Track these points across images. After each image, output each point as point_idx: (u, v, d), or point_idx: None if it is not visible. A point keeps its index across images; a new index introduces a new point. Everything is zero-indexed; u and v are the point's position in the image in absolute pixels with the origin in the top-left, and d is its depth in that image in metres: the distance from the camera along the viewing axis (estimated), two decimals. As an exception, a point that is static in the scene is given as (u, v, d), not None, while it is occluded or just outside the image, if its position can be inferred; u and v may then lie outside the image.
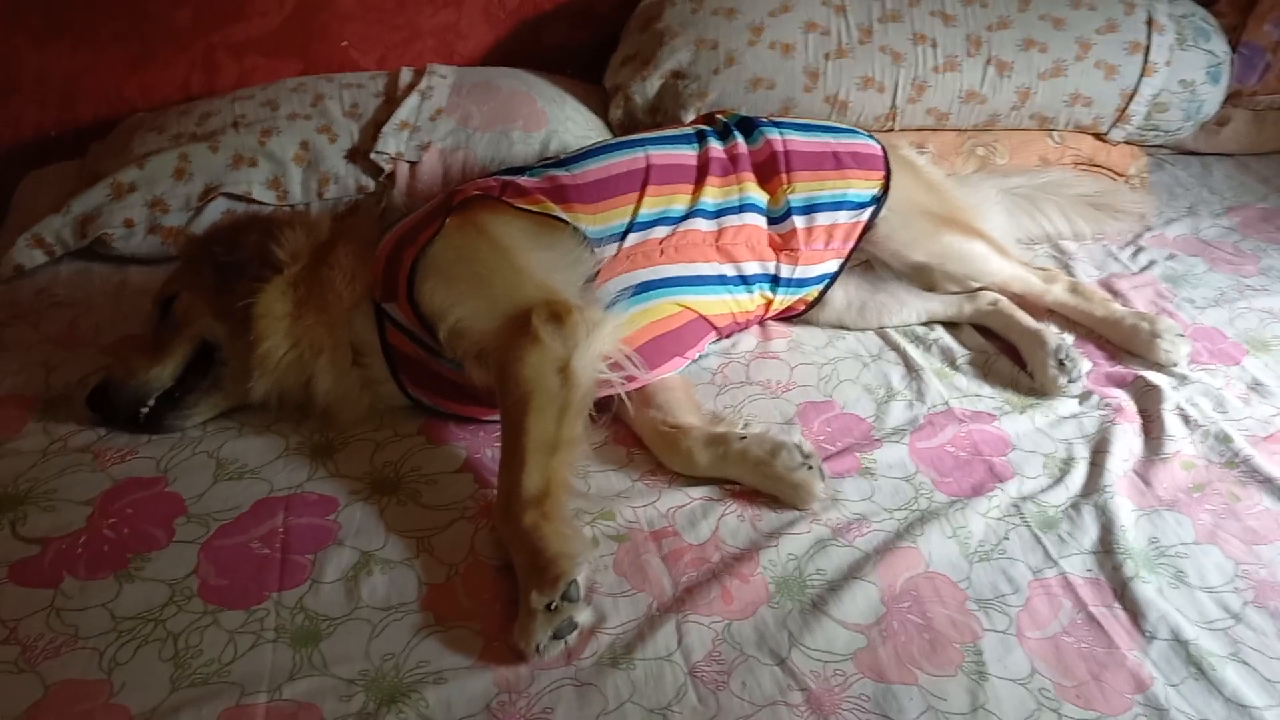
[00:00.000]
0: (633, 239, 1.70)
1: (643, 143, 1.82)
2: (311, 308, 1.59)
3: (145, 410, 1.58)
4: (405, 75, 2.27)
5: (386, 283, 1.61)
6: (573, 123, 2.24)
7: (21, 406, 1.63)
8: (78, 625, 1.26)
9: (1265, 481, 1.51)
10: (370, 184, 2.10)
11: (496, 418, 1.59)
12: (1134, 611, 1.32)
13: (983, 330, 1.88)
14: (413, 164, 2.11)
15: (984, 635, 1.29)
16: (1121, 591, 1.35)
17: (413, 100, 2.17)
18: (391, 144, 2.10)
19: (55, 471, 1.49)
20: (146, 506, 1.44)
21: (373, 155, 2.08)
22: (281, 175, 2.07)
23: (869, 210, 1.84)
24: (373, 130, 2.13)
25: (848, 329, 1.90)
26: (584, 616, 1.27)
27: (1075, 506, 1.48)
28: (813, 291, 1.86)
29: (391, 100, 2.20)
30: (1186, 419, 1.63)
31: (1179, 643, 1.27)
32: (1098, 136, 2.32)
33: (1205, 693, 1.22)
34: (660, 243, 1.72)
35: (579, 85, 2.40)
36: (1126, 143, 2.33)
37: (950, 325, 1.90)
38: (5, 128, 2.33)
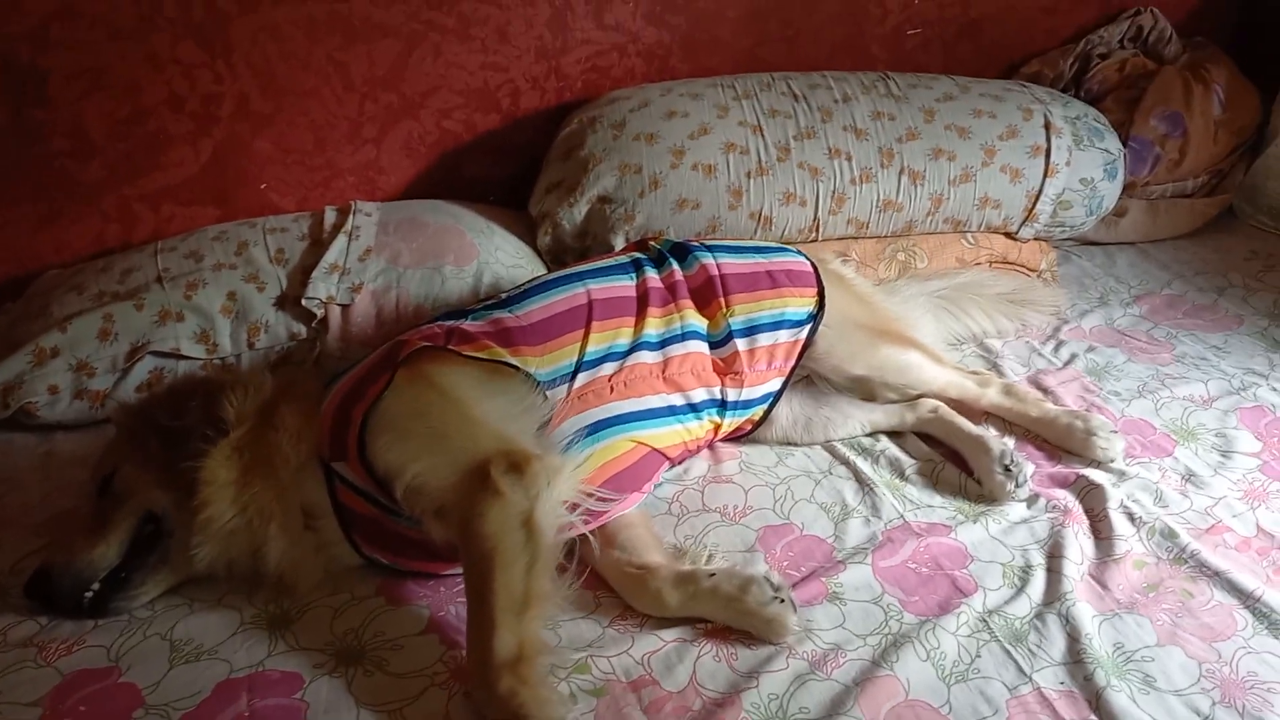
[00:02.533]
0: (582, 378, 1.71)
1: (581, 276, 1.83)
2: (258, 472, 1.55)
3: (89, 594, 1.51)
4: (330, 215, 2.26)
5: (335, 441, 1.58)
6: (503, 252, 2.25)
7: (-49, 600, 1.54)
8: None
9: (1214, 575, 1.56)
10: (302, 330, 2.08)
11: (457, 571, 1.57)
12: (1110, 721, 1.34)
13: (926, 438, 1.92)
14: (345, 307, 2.10)
15: (972, 763, 1.29)
16: (1096, 703, 1.37)
17: (340, 241, 2.16)
18: (322, 288, 2.08)
19: (-4, 672, 1.41)
20: (100, 702, 1.37)
21: (304, 301, 2.06)
22: (209, 328, 2.04)
23: (807, 328, 1.88)
24: (301, 275, 2.11)
25: (795, 445, 1.93)
26: (571, 788, 1.24)
27: (1040, 616, 1.51)
28: (758, 411, 1.89)
29: (318, 242, 2.18)
30: (1131, 516, 1.68)
31: (1159, 752, 1.30)
32: (1008, 235, 2.42)
33: (1191, 802, 1.24)
34: (609, 379, 1.73)
35: (504, 213, 2.42)
36: (1035, 239, 2.44)
37: (894, 435, 1.94)
38: (-88, 291, 2.25)
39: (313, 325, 2.08)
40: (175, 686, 1.40)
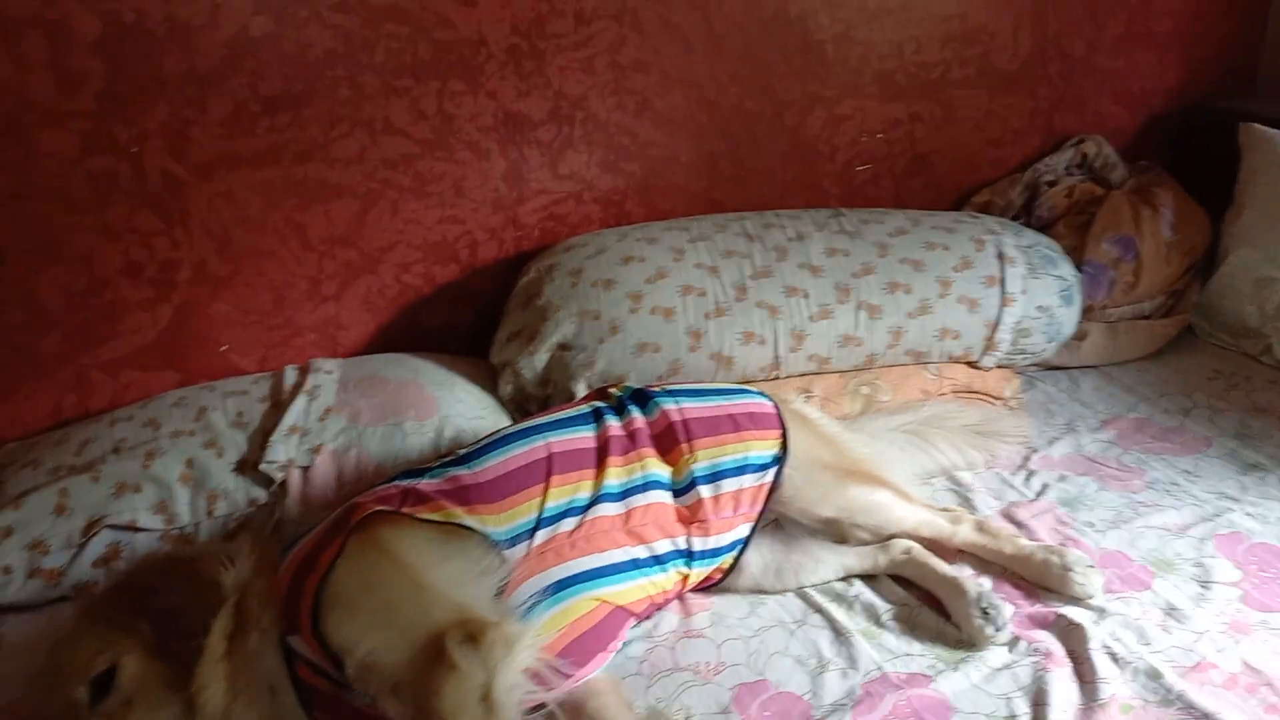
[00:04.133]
0: (542, 535, 1.67)
1: (541, 429, 1.81)
2: (238, 643, 1.49)
3: None
4: (290, 375, 2.25)
5: (288, 614, 1.53)
6: (464, 405, 2.23)
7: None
8: None
9: (1204, 717, 1.51)
10: (262, 495, 2.04)
11: (421, 748, 1.50)
12: None
13: (901, 580, 1.88)
14: (305, 469, 2.06)
15: None
16: None
17: (300, 402, 2.14)
18: (281, 451, 2.05)
19: None
20: None
21: (262, 466, 2.03)
22: (168, 498, 1.99)
23: (772, 471, 1.85)
24: (261, 439, 2.08)
25: (767, 593, 1.88)
26: None
27: (1029, 772, 1.45)
28: (727, 559, 1.84)
29: (278, 404, 2.16)
30: (1114, 656, 1.63)
31: None
32: (971, 365, 2.42)
33: None
34: (570, 535, 1.69)
35: (465, 363, 2.41)
36: (999, 367, 2.44)
37: (868, 578, 1.90)
38: None
39: (271, 490, 2.04)
40: None
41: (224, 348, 2.39)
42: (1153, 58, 3.00)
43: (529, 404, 2.30)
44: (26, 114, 2.09)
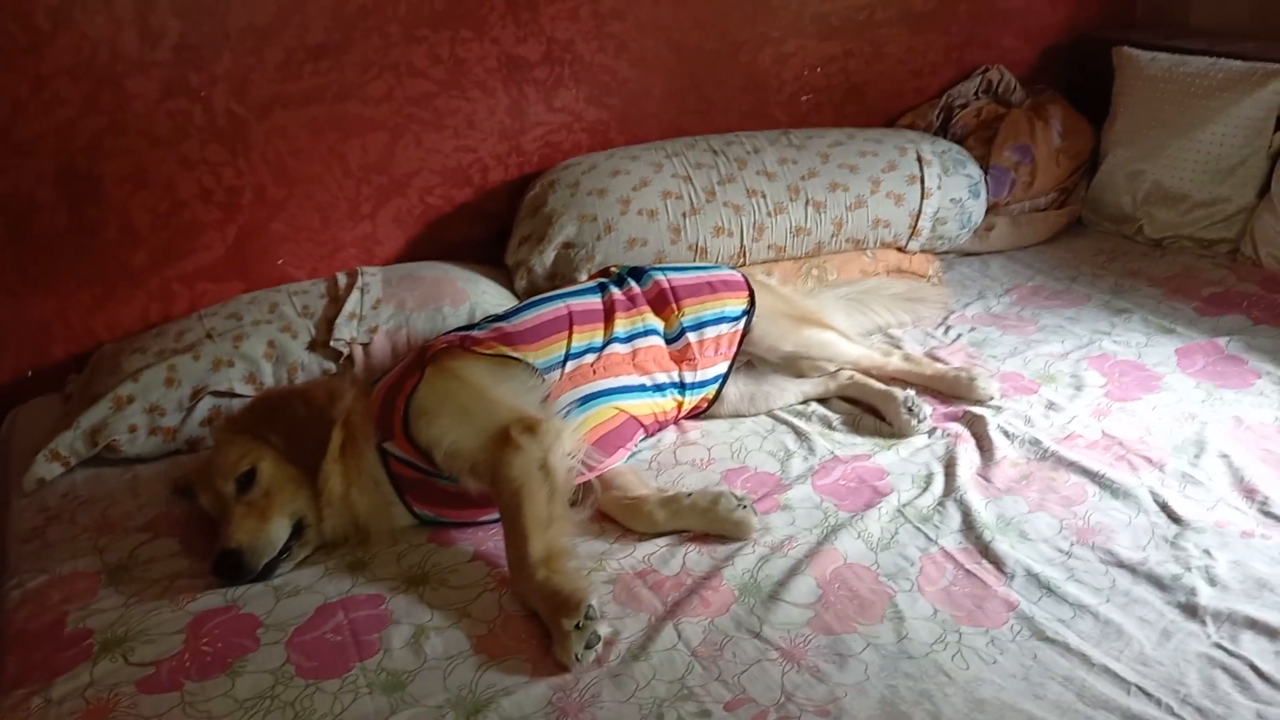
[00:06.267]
0: (570, 365, 2.17)
1: (561, 296, 2.31)
2: (348, 450, 1.97)
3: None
4: (341, 279, 2.71)
5: (382, 425, 2.02)
6: (488, 295, 2.71)
7: (89, 580, 1.92)
8: (209, 711, 1.57)
9: (1071, 465, 2.04)
10: (332, 367, 2.50)
11: (490, 519, 2.00)
12: (996, 562, 1.79)
13: (847, 400, 2.40)
14: (365, 345, 2.53)
15: (896, 594, 1.74)
16: (985, 551, 1.82)
17: (355, 296, 2.61)
18: (345, 332, 2.52)
19: (141, 616, 1.79)
20: (229, 626, 1.76)
21: (331, 343, 2.50)
22: (255, 371, 2.45)
23: (743, 320, 2.36)
24: (326, 325, 2.54)
25: (744, 416, 2.38)
26: (604, 629, 1.66)
27: (941, 504, 1.97)
28: (711, 390, 2.35)
29: (335, 299, 2.63)
30: (1007, 433, 2.17)
31: (1031, 575, 1.75)
32: (899, 249, 2.95)
33: (1056, 603, 1.69)
34: (591, 365, 2.19)
35: (482, 268, 2.89)
36: (922, 251, 2.98)
37: (821, 401, 2.42)
38: (-11, 375, 2.65)
39: (340, 362, 2.51)
40: (284, 612, 1.79)
41: (280, 261, 2.85)
42: (1046, -1, 3.55)
43: (541, 293, 2.78)
44: (118, 63, 2.54)
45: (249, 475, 1.95)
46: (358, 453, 2.01)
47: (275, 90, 2.71)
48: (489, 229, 3.04)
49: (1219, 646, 1.57)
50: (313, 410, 2.02)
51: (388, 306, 2.60)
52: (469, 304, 2.64)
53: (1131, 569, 1.76)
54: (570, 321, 2.23)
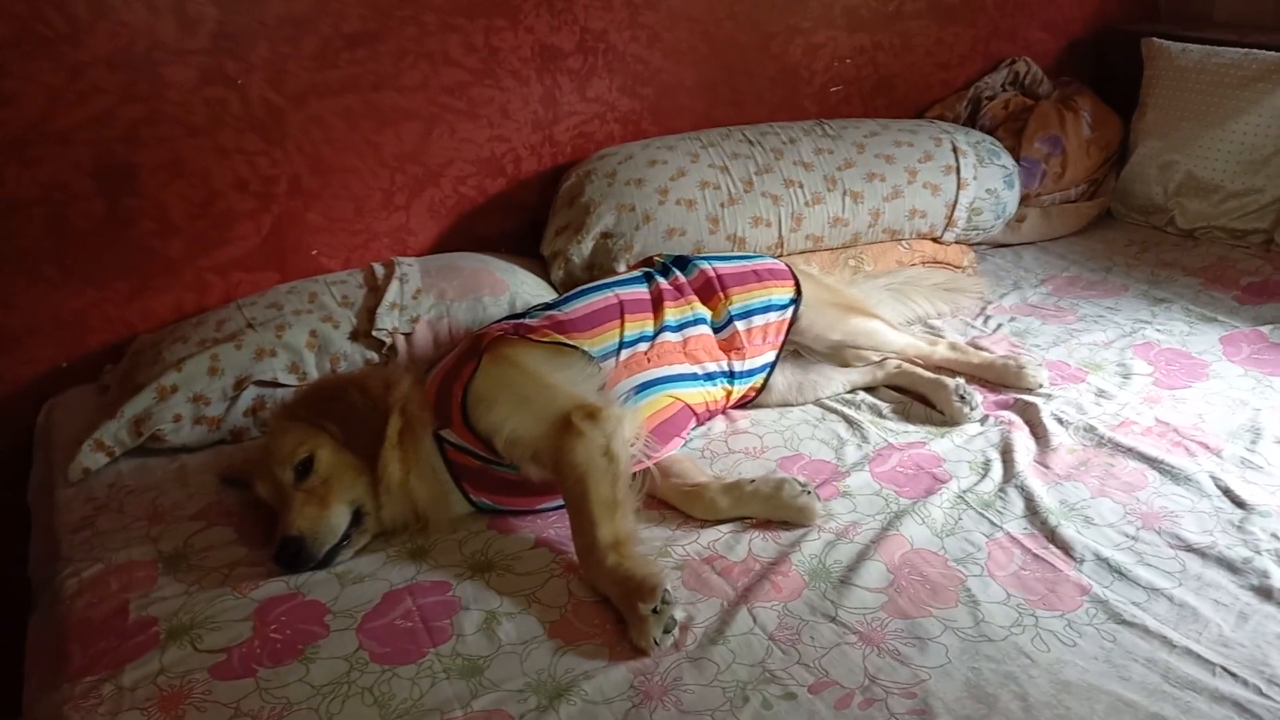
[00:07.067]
0: (625, 354, 2.16)
1: (610, 285, 2.31)
2: (405, 437, 1.96)
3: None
4: (378, 269, 2.69)
5: (439, 413, 2.01)
6: (526, 285, 2.70)
7: (147, 568, 1.89)
8: (286, 696, 1.56)
9: (1128, 451, 2.05)
10: (375, 357, 2.48)
11: (548, 506, 1.99)
12: (1064, 547, 1.79)
13: (895, 389, 2.40)
14: (406, 335, 2.52)
15: (967, 579, 1.74)
16: (1052, 536, 1.82)
17: (395, 286, 2.59)
18: (387, 322, 2.50)
19: (205, 604, 1.78)
20: (297, 612, 1.75)
21: (374, 333, 2.48)
22: (299, 360, 2.43)
23: (790, 309, 2.36)
24: (367, 315, 2.52)
25: (792, 405, 2.38)
26: (680, 613, 1.65)
27: (1002, 490, 1.97)
28: (759, 379, 2.35)
29: (374, 289, 2.61)
30: (1061, 420, 2.17)
31: (1101, 559, 1.75)
32: (935, 240, 2.95)
33: (1129, 587, 1.69)
34: (645, 354, 2.18)
35: (517, 259, 2.88)
36: (957, 242, 2.98)
37: (869, 390, 2.42)
38: (25, 365, 2.60)
39: (382, 352, 2.49)
40: (351, 598, 1.78)
41: (314, 251, 2.83)
42: (1071, -9, 3.56)
43: (577, 285, 2.78)
44: (156, 52, 2.52)
45: (307, 463, 1.93)
46: (415, 440, 1.99)
47: (311, 79, 2.69)
48: (521, 221, 3.02)
49: (1298, 628, 1.57)
50: (369, 398, 2.01)
51: (428, 296, 2.59)
52: (509, 294, 2.63)
53: (1200, 553, 1.76)
54: (622, 310, 2.22)
